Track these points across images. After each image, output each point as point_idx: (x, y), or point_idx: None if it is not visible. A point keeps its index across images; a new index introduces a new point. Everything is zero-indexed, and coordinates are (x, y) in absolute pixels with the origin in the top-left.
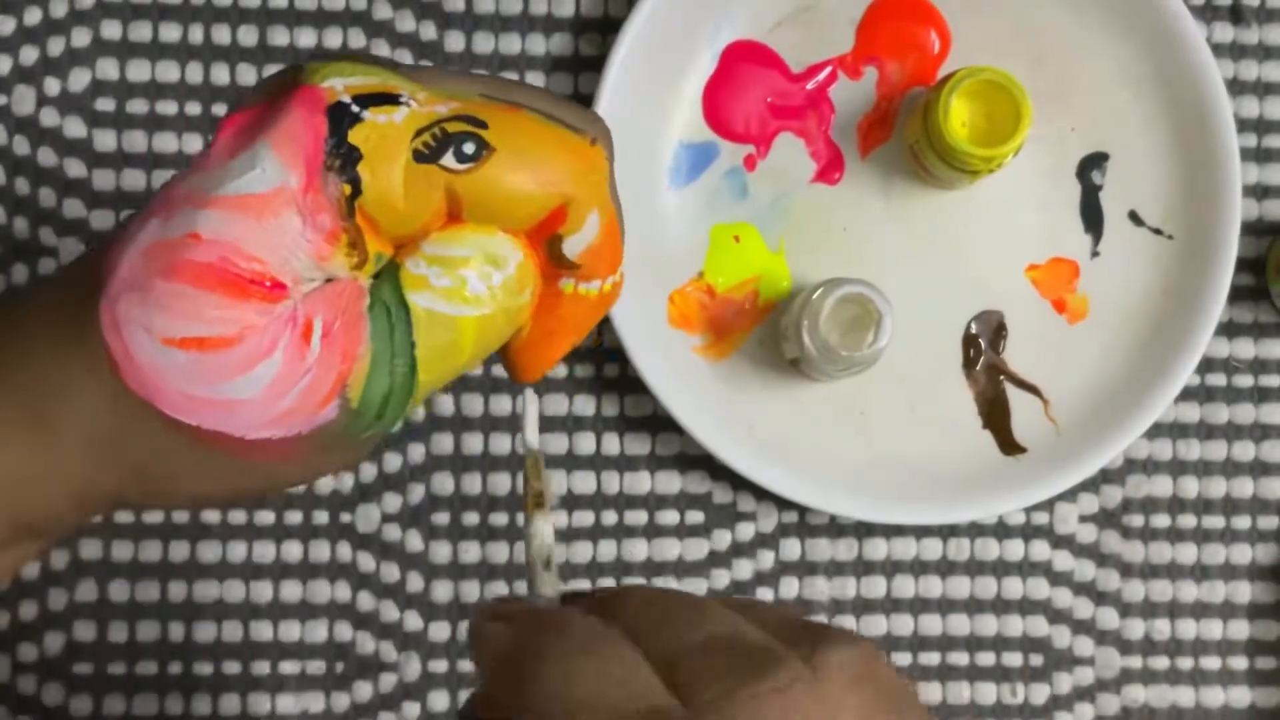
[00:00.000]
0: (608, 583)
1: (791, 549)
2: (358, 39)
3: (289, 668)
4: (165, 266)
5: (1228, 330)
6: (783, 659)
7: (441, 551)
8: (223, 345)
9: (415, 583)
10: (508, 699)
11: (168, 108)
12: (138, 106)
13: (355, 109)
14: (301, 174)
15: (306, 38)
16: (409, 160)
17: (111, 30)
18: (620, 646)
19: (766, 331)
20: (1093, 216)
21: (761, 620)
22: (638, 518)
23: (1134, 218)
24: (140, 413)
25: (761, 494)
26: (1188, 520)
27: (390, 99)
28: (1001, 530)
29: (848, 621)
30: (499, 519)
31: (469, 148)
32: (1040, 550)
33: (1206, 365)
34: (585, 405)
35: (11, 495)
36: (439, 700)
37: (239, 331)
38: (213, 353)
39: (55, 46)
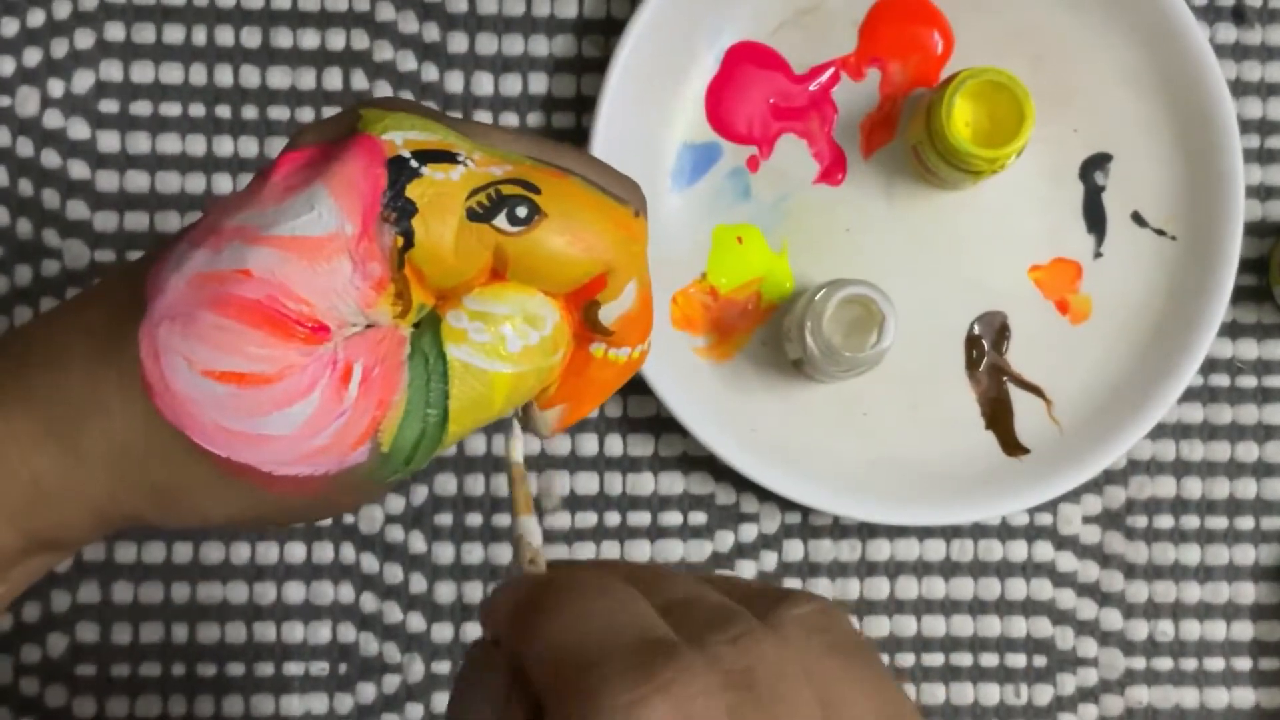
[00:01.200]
0: None
1: (794, 550)
2: (361, 40)
3: (293, 669)
4: (212, 299)
5: (1231, 331)
6: (738, 615)
7: (444, 553)
8: (262, 382)
9: (418, 584)
10: (521, 644)
11: (171, 109)
12: (141, 108)
13: (414, 164)
14: (358, 222)
15: (310, 39)
16: (462, 218)
17: (115, 32)
18: (625, 589)
19: (769, 332)
20: (1095, 217)
21: (722, 587)
22: (641, 519)
23: (1137, 219)
24: (168, 437)
25: (764, 495)
26: (1191, 521)
27: (448, 157)
28: (1005, 531)
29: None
30: (502, 520)
31: (522, 211)
32: (1044, 551)
33: (1210, 366)
34: None
35: (33, 509)
36: (442, 701)
37: (280, 370)
38: (251, 388)
39: (59, 48)
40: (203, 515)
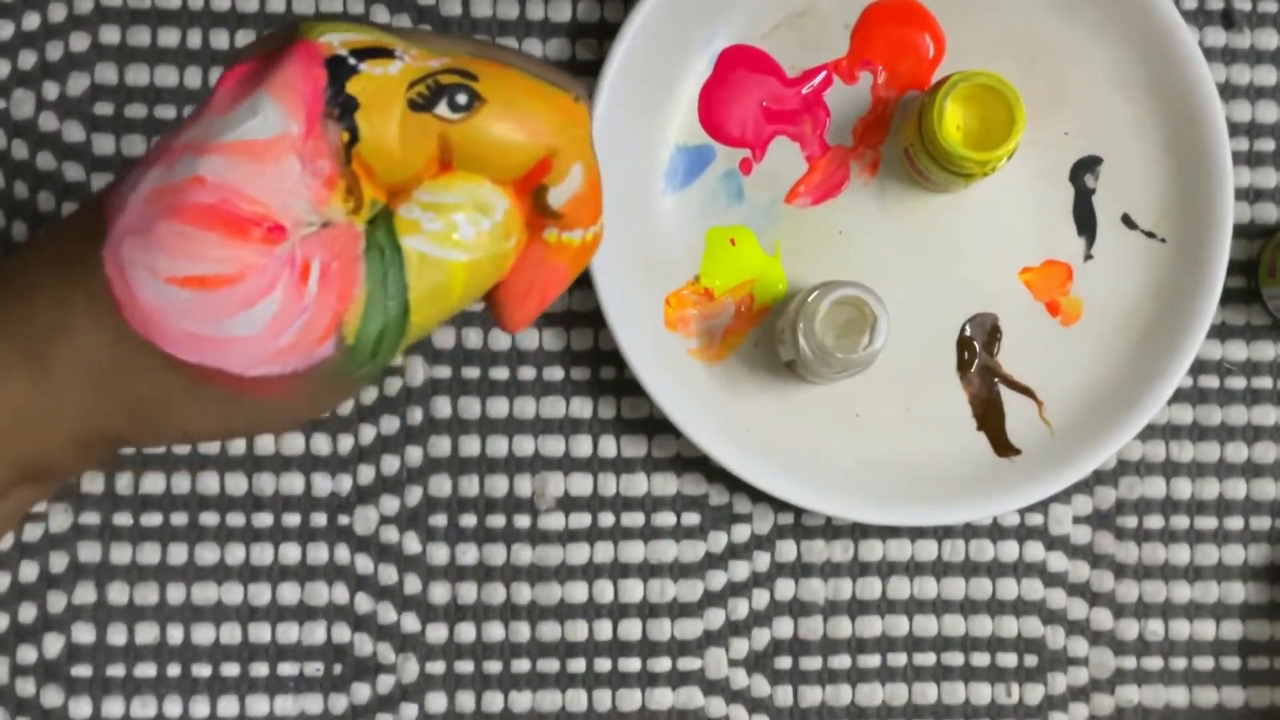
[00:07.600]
0: (606, 586)
1: (787, 550)
2: None
3: (287, 669)
4: (168, 209)
5: (1220, 332)
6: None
7: (439, 553)
8: (224, 284)
9: (413, 584)
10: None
11: (166, 112)
12: (136, 111)
13: (352, 61)
14: (302, 121)
15: None
16: (404, 110)
17: (110, 35)
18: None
19: (762, 334)
20: (1086, 220)
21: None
22: (634, 520)
23: (1127, 221)
24: (139, 351)
25: (757, 495)
26: (1181, 521)
27: (385, 53)
28: (996, 531)
29: (843, 622)
30: (496, 521)
31: (462, 98)
32: (1035, 551)
33: (1199, 367)
34: (582, 408)
35: (12, 435)
36: (436, 702)
37: (240, 270)
38: (214, 291)
39: (54, 51)
40: (181, 429)
